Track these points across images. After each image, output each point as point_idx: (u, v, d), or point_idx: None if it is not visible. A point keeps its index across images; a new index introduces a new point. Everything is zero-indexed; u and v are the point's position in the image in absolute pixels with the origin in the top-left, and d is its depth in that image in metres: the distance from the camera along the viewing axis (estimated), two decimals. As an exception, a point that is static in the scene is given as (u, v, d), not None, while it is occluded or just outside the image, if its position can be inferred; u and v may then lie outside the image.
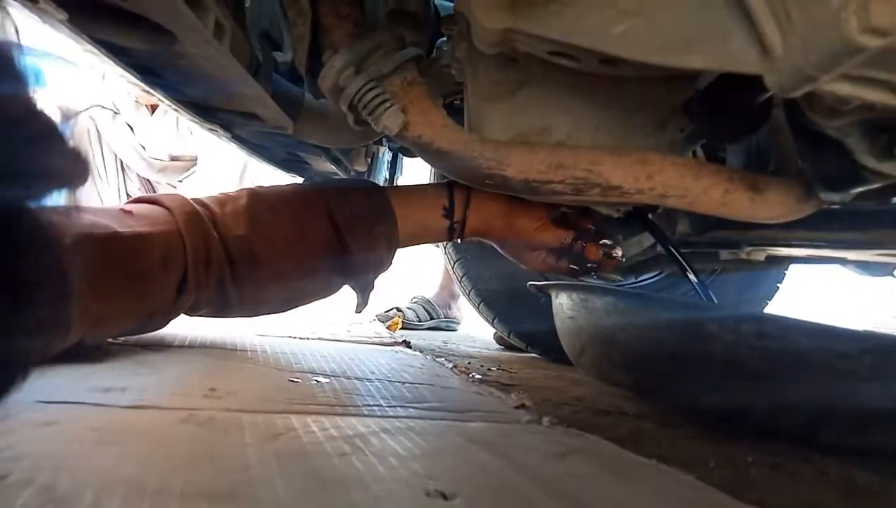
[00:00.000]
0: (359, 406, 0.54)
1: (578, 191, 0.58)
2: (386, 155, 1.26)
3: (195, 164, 2.14)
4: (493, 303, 1.29)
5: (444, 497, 0.33)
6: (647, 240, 0.91)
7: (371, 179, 1.21)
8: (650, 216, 0.73)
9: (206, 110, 0.77)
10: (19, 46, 0.25)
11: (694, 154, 0.88)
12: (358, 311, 0.76)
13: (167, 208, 0.63)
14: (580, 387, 0.87)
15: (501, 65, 0.58)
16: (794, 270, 1.33)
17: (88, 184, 2.14)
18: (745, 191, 0.55)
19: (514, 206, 0.72)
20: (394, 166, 1.31)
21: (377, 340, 1.08)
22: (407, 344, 1.08)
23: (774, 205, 0.55)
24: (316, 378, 0.64)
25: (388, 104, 0.59)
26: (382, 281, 0.76)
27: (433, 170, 1.18)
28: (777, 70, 0.35)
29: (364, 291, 0.74)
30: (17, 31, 0.35)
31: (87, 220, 0.56)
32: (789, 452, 0.57)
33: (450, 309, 1.83)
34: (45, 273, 0.26)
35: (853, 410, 0.52)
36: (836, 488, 0.50)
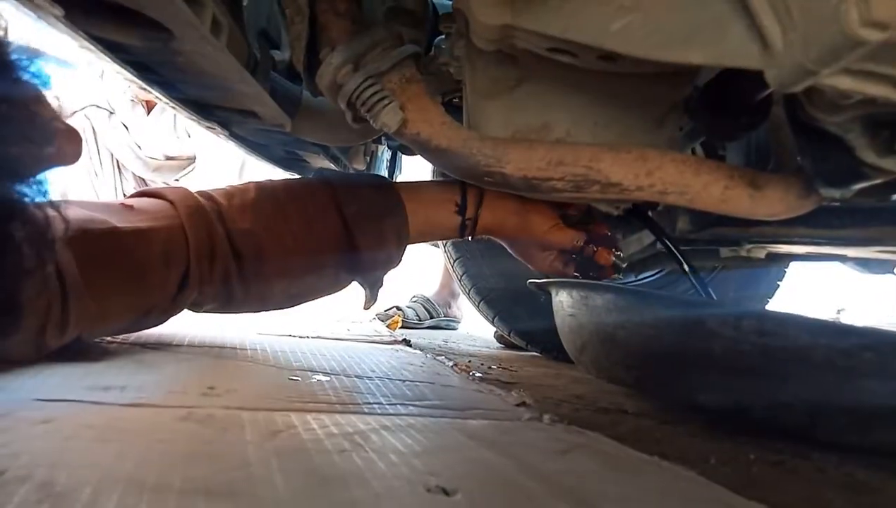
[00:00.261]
0: (359, 403, 0.54)
1: (578, 187, 0.58)
2: (385, 153, 1.26)
3: (191, 163, 2.14)
4: (494, 302, 1.29)
5: (445, 492, 0.33)
6: (646, 237, 0.91)
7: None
8: (650, 213, 0.73)
9: (204, 108, 0.77)
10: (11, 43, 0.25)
11: (693, 151, 0.88)
12: (366, 307, 0.75)
13: (170, 202, 0.62)
14: (580, 385, 0.87)
15: (500, 62, 0.57)
16: (794, 268, 1.33)
17: (84, 182, 2.15)
18: (744, 187, 0.55)
19: (528, 205, 0.70)
20: (393, 164, 1.31)
21: (377, 339, 1.08)
22: (407, 342, 1.07)
23: (774, 202, 0.55)
24: (316, 376, 0.63)
25: (386, 101, 0.59)
26: (391, 278, 0.75)
27: (433, 168, 1.18)
28: (777, 64, 0.35)
29: (373, 287, 0.73)
30: (5, 29, 0.34)
31: (85, 216, 0.55)
32: (790, 449, 0.57)
33: (450, 307, 1.83)
34: (36, 266, 0.26)
35: (854, 407, 0.52)
36: (837, 485, 0.50)
